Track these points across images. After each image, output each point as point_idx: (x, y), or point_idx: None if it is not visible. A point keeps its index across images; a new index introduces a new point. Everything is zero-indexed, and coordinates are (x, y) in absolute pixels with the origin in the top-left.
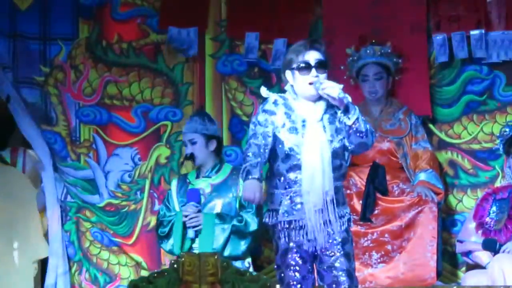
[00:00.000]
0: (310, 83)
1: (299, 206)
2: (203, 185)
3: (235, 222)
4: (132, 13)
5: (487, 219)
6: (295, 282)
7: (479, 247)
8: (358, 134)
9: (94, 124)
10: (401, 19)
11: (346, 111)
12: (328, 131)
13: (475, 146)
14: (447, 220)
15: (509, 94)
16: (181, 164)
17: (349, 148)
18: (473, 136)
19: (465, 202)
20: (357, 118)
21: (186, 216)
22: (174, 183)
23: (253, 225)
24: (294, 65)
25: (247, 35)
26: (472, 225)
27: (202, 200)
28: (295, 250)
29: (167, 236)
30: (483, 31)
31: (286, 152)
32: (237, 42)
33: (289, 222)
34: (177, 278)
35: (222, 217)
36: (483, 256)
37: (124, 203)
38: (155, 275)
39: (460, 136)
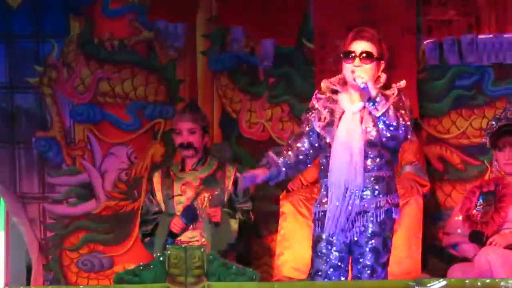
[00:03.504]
0: (353, 72)
1: None
2: (191, 178)
3: (240, 216)
4: (123, 10)
5: (474, 212)
6: (323, 270)
7: (465, 240)
8: (387, 127)
9: (88, 123)
10: (391, 24)
11: (374, 102)
12: (365, 121)
13: (464, 141)
14: (435, 215)
15: (497, 89)
16: (174, 154)
17: (382, 140)
18: (461, 131)
19: (454, 197)
20: (387, 110)
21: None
22: (157, 176)
23: (251, 220)
24: (342, 54)
25: (234, 28)
26: (459, 217)
27: (190, 194)
28: (327, 239)
29: (150, 234)
30: (474, 35)
31: (324, 145)
32: (228, 37)
33: (324, 212)
34: (163, 271)
35: (229, 213)
36: (469, 248)
37: (122, 203)
38: (141, 268)
39: (449, 131)
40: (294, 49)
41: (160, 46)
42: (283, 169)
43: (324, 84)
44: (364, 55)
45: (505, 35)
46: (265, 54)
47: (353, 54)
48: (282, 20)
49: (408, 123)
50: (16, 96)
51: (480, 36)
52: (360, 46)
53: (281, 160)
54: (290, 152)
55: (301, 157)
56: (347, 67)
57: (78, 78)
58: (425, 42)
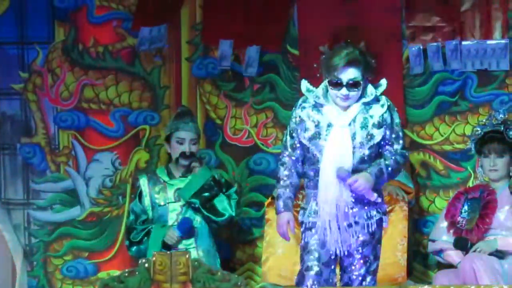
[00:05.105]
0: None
1: None
2: (182, 185)
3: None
4: (108, 16)
5: (459, 218)
6: (314, 266)
7: (450, 246)
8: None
9: (72, 129)
10: (376, 30)
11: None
12: (357, 137)
13: (447, 147)
14: (419, 221)
15: (481, 95)
16: (158, 160)
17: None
18: (445, 137)
19: (437, 203)
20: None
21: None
22: (144, 181)
23: (230, 211)
24: (328, 78)
25: (221, 42)
26: (444, 224)
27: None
28: (317, 243)
29: (139, 242)
30: (458, 41)
31: (311, 157)
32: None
33: (314, 223)
34: (148, 278)
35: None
36: (454, 255)
37: (106, 209)
38: (126, 274)
39: (432, 137)
40: (279, 56)
41: (144, 52)
42: (294, 193)
43: (304, 84)
44: (351, 82)
45: (488, 42)
46: (249, 61)
47: (340, 82)
48: (267, 27)
49: (407, 153)
50: (1, 102)
51: (464, 43)
52: (347, 75)
53: (291, 190)
54: (294, 174)
55: (299, 170)
56: (334, 93)
57: (63, 84)
58: (408, 48)
